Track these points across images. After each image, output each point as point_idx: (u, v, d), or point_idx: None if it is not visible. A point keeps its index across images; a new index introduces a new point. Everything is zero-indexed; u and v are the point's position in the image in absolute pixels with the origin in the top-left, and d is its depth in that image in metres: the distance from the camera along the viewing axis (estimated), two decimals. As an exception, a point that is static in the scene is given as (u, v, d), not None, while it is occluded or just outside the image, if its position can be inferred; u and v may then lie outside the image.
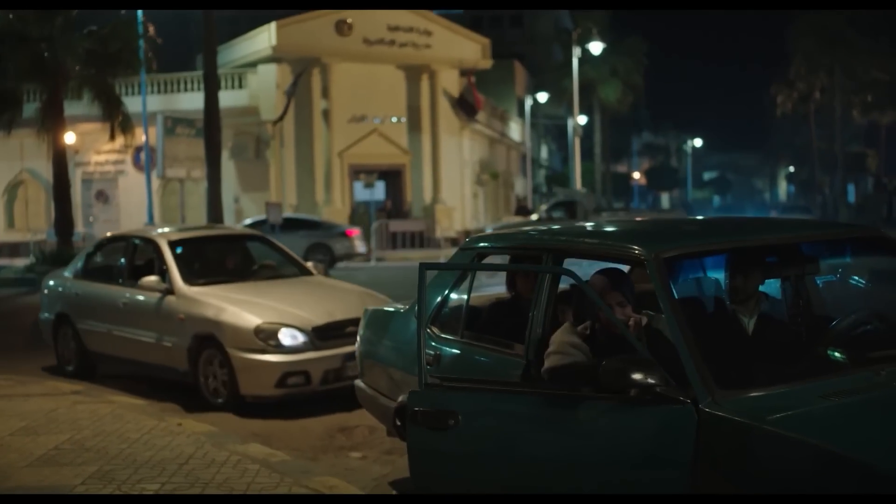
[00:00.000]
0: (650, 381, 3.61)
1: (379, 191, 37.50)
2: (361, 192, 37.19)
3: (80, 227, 32.22)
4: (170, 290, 9.20)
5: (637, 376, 3.61)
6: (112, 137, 25.46)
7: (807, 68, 50.97)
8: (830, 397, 3.61)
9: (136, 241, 10.29)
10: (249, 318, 8.48)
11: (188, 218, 32.05)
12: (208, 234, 11.13)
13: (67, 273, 11.00)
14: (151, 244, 9.87)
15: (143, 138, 31.27)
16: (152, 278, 9.31)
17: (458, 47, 38.84)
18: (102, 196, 37.18)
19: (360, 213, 35.42)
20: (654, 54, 57.61)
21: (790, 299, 4.64)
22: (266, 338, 8.31)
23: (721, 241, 4.53)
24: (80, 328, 10.23)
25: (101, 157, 36.78)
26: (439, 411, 4.10)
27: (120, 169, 37.10)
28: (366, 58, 36.25)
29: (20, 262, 28.46)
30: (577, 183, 43.89)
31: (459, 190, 39.69)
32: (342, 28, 35.78)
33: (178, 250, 9.66)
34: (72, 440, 6.69)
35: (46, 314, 10.95)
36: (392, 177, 38.09)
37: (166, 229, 10.68)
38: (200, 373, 8.80)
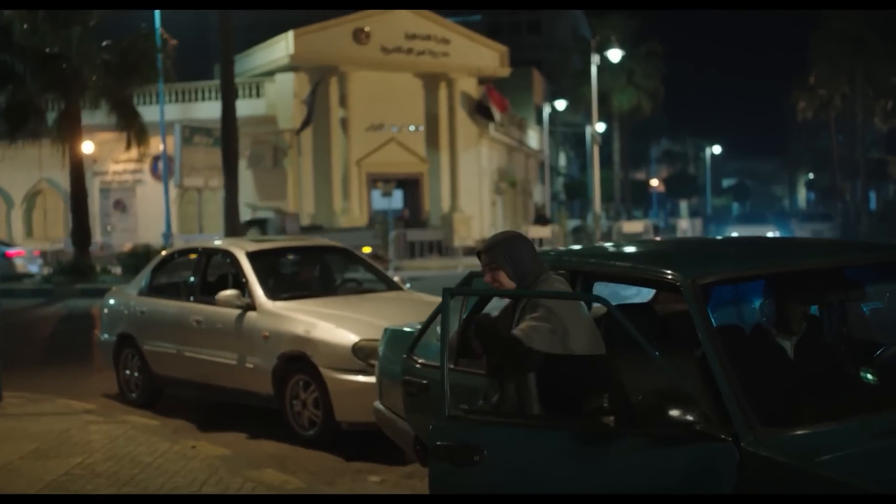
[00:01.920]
0: (689, 418, 3.38)
1: (397, 199, 37.39)
2: (379, 201, 37.01)
3: (97, 237, 32.26)
4: (251, 306, 8.39)
5: (675, 413, 3.38)
6: (128, 147, 25.45)
7: (828, 74, 50.53)
8: (882, 437, 3.38)
9: (210, 254, 9.55)
10: (346, 335, 7.58)
11: (206, 227, 31.98)
12: (288, 246, 10.16)
13: (131, 290, 10.18)
14: (228, 256, 9.10)
15: (161, 147, 31.22)
16: (231, 292, 8.51)
17: (475, 55, 38.69)
18: (120, 205, 37.20)
19: (378, 222, 35.25)
20: (673, 61, 57.38)
21: (834, 327, 4.37)
22: (366, 356, 7.33)
23: (762, 266, 4.25)
24: (145, 350, 9.44)
25: (119, 167, 36.82)
26: (464, 446, 3.87)
27: (138, 178, 37.13)
28: (383, 66, 36.16)
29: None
30: (596, 191, 43.53)
31: (478, 198, 39.50)
32: (359, 36, 35.69)
33: (257, 263, 8.87)
34: (83, 464, 6.51)
35: (107, 335, 10.15)
36: (410, 185, 37.98)
37: (242, 240, 9.79)
38: (287, 398, 7.93)
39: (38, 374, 11.46)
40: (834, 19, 47.75)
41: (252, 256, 8.93)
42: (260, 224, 28.90)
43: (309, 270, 9.47)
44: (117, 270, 25.35)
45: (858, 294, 4.38)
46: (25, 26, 22.92)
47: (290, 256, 9.78)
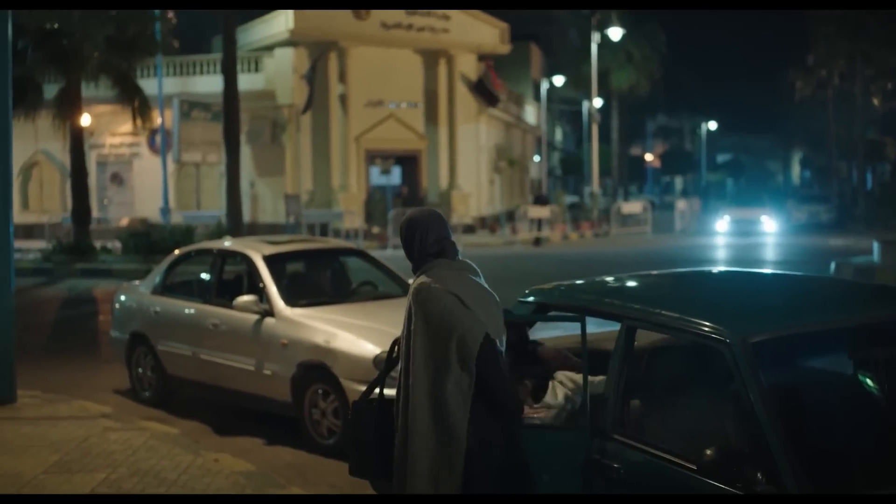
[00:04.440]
0: (756, 476, 3.48)
1: (395, 176, 37.27)
2: (378, 178, 36.94)
3: (94, 212, 32.07)
4: (269, 312, 8.38)
5: (748, 471, 3.50)
6: (134, 122, 25.29)
7: (827, 55, 50.30)
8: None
9: (225, 255, 9.48)
10: (367, 346, 7.53)
11: (204, 203, 31.85)
12: (304, 249, 9.79)
13: (143, 288, 10.08)
14: (244, 259, 9.06)
15: (159, 121, 31.04)
16: (249, 298, 8.45)
17: (476, 32, 38.43)
18: (117, 179, 37.01)
19: (376, 199, 35.18)
20: (670, 35, 56.91)
21: (888, 382, 4.26)
22: None
23: (821, 320, 4.06)
24: (159, 350, 9.42)
25: (117, 140, 36.57)
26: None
27: (135, 151, 36.90)
28: (383, 42, 35.90)
29: (35, 244, 28.22)
30: (594, 171, 43.43)
31: (476, 176, 39.39)
32: (359, 12, 35.38)
33: (274, 267, 8.80)
34: (108, 481, 6.50)
35: (118, 333, 10.15)
36: (408, 162, 37.81)
37: (257, 241, 9.61)
38: (306, 407, 7.93)
39: (47, 367, 11.45)
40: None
41: (269, 260, 8.87)
42: None
43: (326, 274, 9.41)
44: (117, 246, 25.19)
45: None
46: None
47: (306, 260, 9.73)
